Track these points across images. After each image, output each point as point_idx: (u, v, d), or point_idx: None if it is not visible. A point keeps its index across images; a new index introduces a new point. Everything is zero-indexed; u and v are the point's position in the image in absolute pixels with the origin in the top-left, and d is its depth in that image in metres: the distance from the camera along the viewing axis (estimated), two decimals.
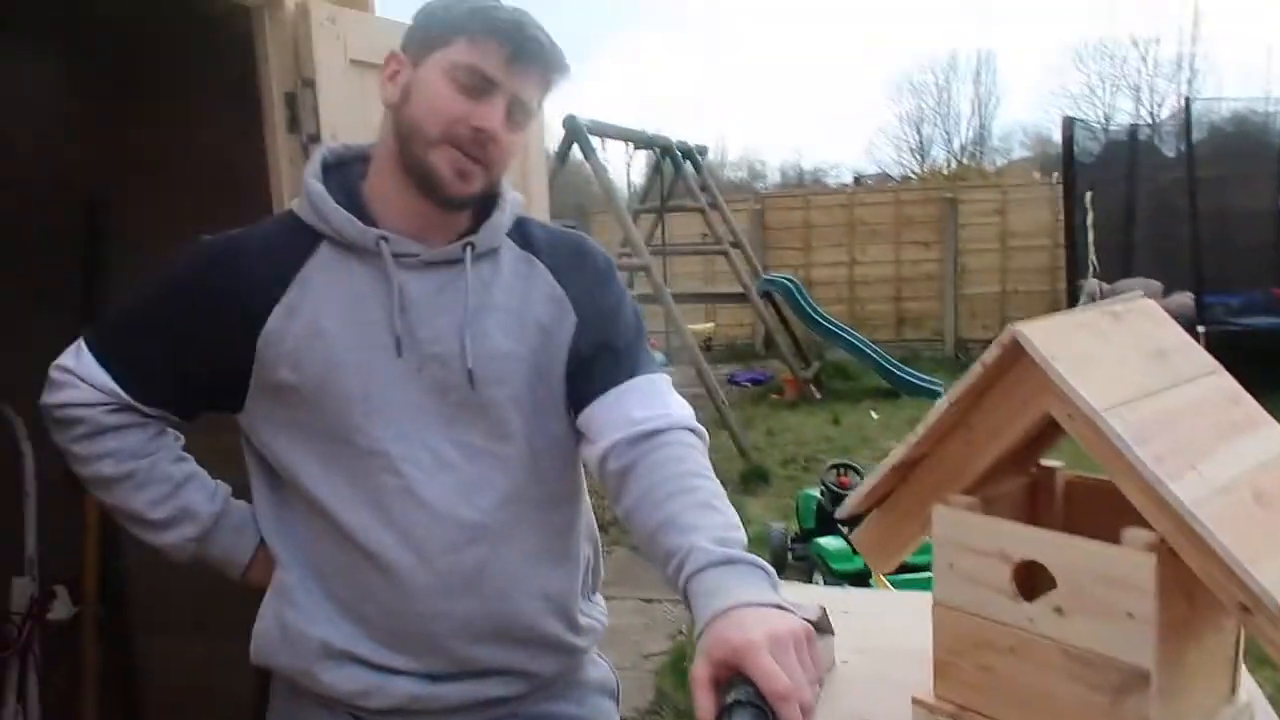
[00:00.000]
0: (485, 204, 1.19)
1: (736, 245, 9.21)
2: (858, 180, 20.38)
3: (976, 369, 1.04)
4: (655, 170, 9.01)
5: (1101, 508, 1.02)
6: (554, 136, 7.10)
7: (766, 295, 9.19)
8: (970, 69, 25.33)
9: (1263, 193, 8.96)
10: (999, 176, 17.54)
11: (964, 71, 25.44)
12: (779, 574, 0.99)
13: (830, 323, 9.30)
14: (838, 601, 1.39)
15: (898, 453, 1.14)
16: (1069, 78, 20.93)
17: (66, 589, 2.76)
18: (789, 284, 9.37)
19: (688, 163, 8.90)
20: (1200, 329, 7.61)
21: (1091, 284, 8.11)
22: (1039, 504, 1.18)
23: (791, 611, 0.87)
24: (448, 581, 1.13)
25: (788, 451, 6.76)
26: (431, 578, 1.13)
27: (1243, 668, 1.09)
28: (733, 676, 0.81)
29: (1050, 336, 1.00)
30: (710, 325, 10.92)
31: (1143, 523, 0.94)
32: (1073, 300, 8.78)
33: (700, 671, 0.82)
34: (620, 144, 8.03)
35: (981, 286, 11.16)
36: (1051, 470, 1.21)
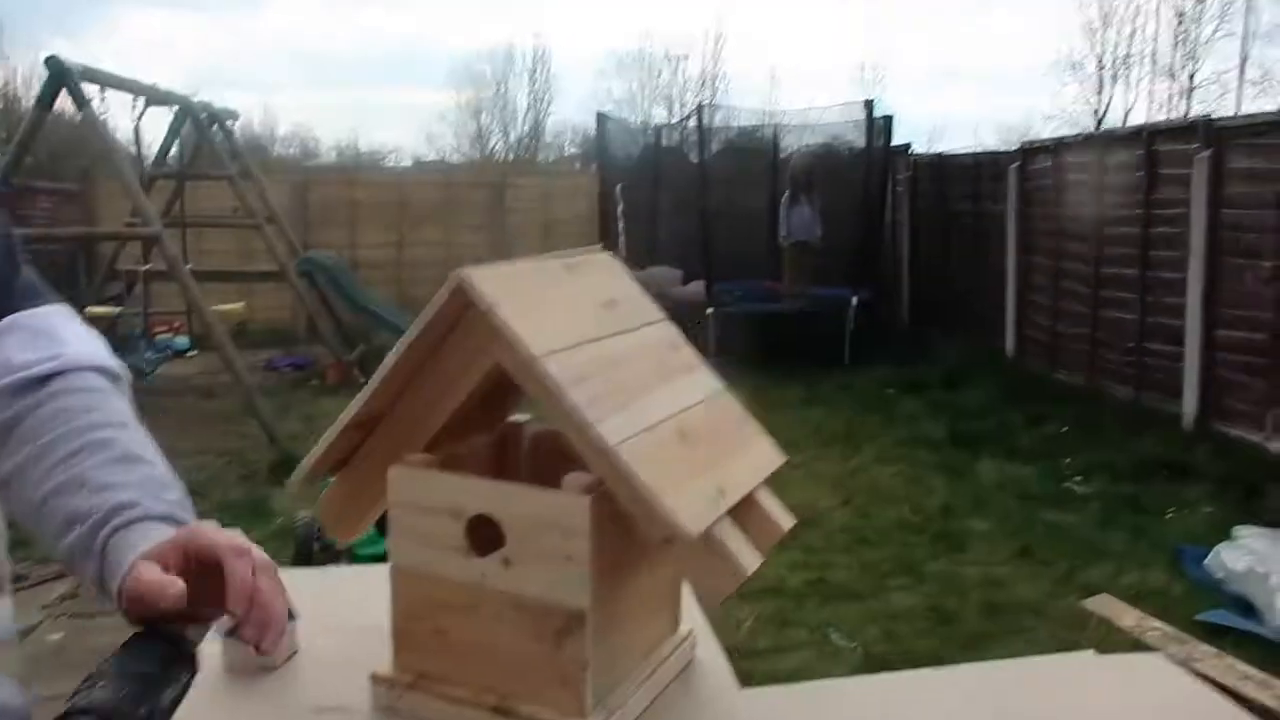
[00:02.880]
0: None
1: (272, 220, 8.60)
2: (415, 164, 20.17)
3: (426, 314, 0.98)
4: (173, 133, 8.07)
5: (562, 461, 1.02)
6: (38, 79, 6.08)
7: (307, 275, 8.70)
8: (527, 65, 25.84)
9: (760, 196, 10.35)
10: (548, 168, 18.39)
11: (520, 67, 25.81)
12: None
13: (375, 305, 9.05)
14: (305, 582, 1.28)
15: (352, 408, 1.06)
16: (614, 84, 22.50)
17: None
18: (330, 264, 8.96)
19: (215, 128, 8.12)
20: (709, 311, 8.67)
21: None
22: (507, 461, 1.16)
23: None
24: None
25: None
26: None
27: (684, 601, 1.15)
28: None
29: (498, 283, 0.97)
30: (239, 305, 9.99)
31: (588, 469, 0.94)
32: None
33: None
34: (129, 99, 7.10)
35: None
36: (519, 425, 1.19)
